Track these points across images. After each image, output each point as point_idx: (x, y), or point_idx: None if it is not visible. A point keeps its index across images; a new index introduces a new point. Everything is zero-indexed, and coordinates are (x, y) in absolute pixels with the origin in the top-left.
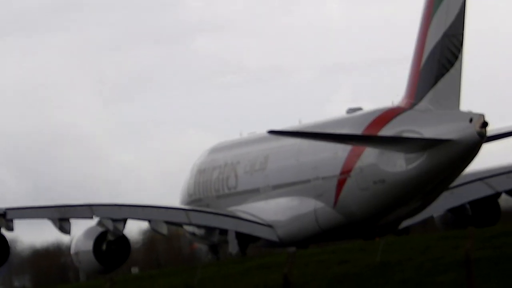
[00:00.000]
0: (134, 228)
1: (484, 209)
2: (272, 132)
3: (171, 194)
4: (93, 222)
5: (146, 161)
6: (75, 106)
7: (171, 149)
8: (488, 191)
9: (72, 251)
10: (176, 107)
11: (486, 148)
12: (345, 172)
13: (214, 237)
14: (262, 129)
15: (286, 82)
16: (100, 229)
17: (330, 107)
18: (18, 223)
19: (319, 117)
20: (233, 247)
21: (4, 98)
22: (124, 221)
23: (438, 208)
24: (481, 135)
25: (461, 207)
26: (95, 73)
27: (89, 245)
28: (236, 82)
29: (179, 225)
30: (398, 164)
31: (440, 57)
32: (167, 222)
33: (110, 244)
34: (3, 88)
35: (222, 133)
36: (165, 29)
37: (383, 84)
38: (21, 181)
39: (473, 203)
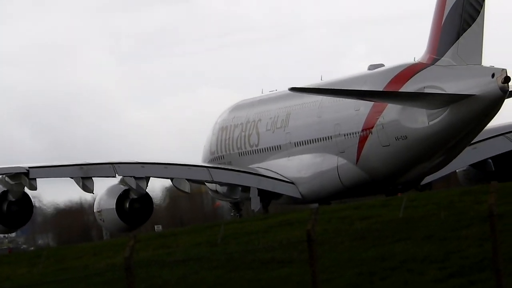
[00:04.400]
0: (157, 186)
1: (506, 163)
2: (293, 89)
3: (186, 150)
4: (115, 180)
5: (161, 119)
6: (89, 65)
7: (186, 107)
8: (510, 146)
9: (95, 209)
10: (189, 64)
11: (508, 103)
12: (367, 129)
13: (237, 194)
14: (282, 87)
15: (299, 39)
16: (122, 187)
17: (346, 63)
18: (40, 181)
19: (338, 73)
20: (255, 204)
21: (19, 57)
22: (147, 179)
23: (460, 163)
24: (504, 90)
25: (484, 162)
26: (108, 32)
27: (112, 203)
28: (248, 40)
29: (202, 182)
30: (420, 120)
31: (462, 12)
32: (190, 180)
33: (133, 202)
34: (18, 49)
35: (238, 90)
36: None
37: (398, 40)
38: (37, 139)
39: (495, 158)
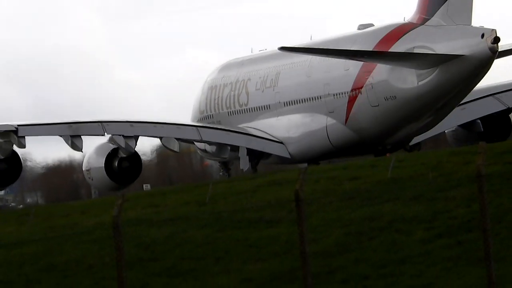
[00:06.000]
0: (146, 145)
1: (495, 124)
2: (283, 48)
3: (174, 110)
4: (104, 139)
5: (149, 78)
6: (77, 24)
7: (174, 67)
8: (499, 107)
9: (84, 167)
10: (177, 25)
11: (498, 63)
12: (356, 89)
13: (225, 153)
14: (271, 47)
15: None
16: (111, 146)
17: (335, 23)
18: (29, 140)
19: (328, 33)
20: (244, 163)
21: (4, 15)
22: (136, 138)
23: (449, 123)
24: (493, 51)
25: (472, 122)
26: None
27: (100, 162)
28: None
29: (191, 142)
30: (410, 80)
31: None
32: (179, 139)
33: (121, 160)
34: (3, 7)
35: (227, 50)
36: None
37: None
38: (25, 97)
39: (484, 118)
